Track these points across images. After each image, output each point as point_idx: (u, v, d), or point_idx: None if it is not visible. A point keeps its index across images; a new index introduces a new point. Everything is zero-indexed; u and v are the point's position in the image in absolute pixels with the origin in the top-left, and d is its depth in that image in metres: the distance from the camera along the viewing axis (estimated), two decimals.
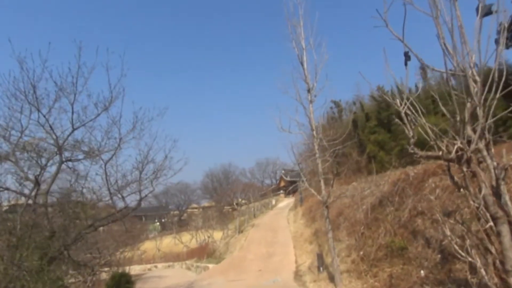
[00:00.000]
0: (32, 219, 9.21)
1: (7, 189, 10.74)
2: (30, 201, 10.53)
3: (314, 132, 13.40)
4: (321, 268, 14.55)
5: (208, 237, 40.68)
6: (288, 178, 74.79)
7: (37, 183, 10.09)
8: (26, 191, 10.77)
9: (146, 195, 13.50)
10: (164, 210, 76.25)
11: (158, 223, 71.86)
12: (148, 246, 43.96)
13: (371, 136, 26.73)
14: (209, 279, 20.16)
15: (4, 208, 11.22)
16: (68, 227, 10.32)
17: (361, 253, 12.30)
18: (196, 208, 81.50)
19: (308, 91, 13.76)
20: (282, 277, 17.36)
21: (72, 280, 15.20)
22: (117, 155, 12.32)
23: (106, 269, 22.51)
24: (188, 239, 45.94)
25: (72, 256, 11.97)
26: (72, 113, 11.23)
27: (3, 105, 10.60)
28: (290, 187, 71.85)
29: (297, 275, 17.28)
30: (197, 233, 45.11)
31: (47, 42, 24.19)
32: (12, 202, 10.77)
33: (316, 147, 13.27)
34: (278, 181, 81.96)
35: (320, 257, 14.84)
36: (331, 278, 13.13)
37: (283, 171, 78.69)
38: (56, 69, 10.97)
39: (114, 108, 12.10)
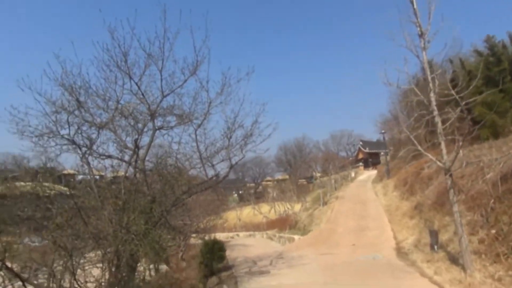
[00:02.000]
0: (134, 184, 9.13)
1: (110, 156, 10.98)
2: (131, 168, 10.64)
3: (430, 84, 11.25)
4: (435, 247, 12.70)
5: (288, 208, 40.42)
6: (367, 150, 71.08)
7: (136, 146, 10.07)
8: (126, 158, 10.91)
9: (236, 163, 12.95)
10: (241, 182, 78.51)
11: (236, 195, 74.38)
12: (229, 216, 45.44)
13: (478, 96, 23.04)
14: (297, 251, 19.54)
15: (108, 178, 11.58)
16: (166, 193, 10.13)
17: (493, 231, 10.23)
18: (270, 181, 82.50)
19: (420, 35, 11.53)
20: (383, 253, 15.87)
21: (169, 244, 15.71)
22: (206, 122, 11.90)
23: (195, 235, 23.45)
24: (267, 210, 46.40)
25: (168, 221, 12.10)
26: (161, 80, 11.06)
27: (100, 77, 10.75)
28: (369, 159, 68.28)
29: (401, 252, 15.63)
30: (275, 205, 45.23)
31: (133, 9, 24.92)
32: (115, 169, 10.95)
33: (434, 102, 11.15)
34: (355, 153, 78.52)
35: (434, 234, 12.97)
36: (453, 260, 11.28)
37: (361, 143, 74.96)
38: (144, 34, 10.74)
39: (201, 73, 11.48)
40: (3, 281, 7.86)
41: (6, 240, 8.24)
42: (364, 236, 19.72)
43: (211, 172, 12.17)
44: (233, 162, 12.42)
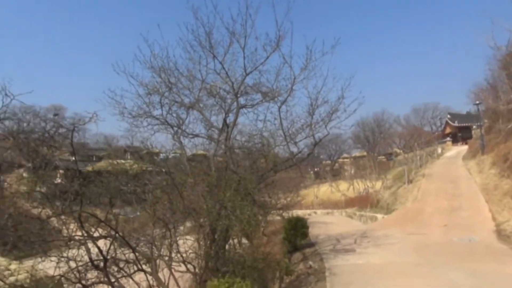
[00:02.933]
0: (224, 161, 9.35)
1: (197, 135, 11.43)
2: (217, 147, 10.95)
3: None
4: None
5: (368, 186, 38.81)
6: (455, 124, 64.31)
7: (225, 124, 10.27)
8: (214, 136, 11.25)
9: (320, 140, 12.55)
10: (317, 160, 77.45)
11: (311, 172, 73.86)
12: (306, 193, 45.31)
13: None
14: (382, 230, 18.62)
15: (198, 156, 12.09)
16: (254, 170, 10.21)
17: None
18: (347, 158, 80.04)
19: None
20: (480, 236, 14.32)
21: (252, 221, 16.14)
22: (290, 98, 11.63)
23: (274, 211, 23.83)
24: (345, 188, 45.20)
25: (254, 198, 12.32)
26: (244, 57, 11.05)
27: (185, 58, 11.10)
28: (458, 134, 61.79)
29: (502, 235, 13.95)
30: (354, 182, 43.75)
31: None
32: (204, 147, 11.38)
33: None
34: (442, 127, 71.62)
35: None
36: None
37: (448, 116, 67.97)
38: (227, 12, 10.78)
39: (284, 48, 11.16)
40: (115, 249, 8.75)
41: (115, 212, 9.14)
42: (457, 216, 17.97)
43: (294, 150, 12.04)
44: (317, 139, 12.08)
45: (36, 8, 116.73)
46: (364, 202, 32.01)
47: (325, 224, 26.50)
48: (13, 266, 9.91)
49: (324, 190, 49.82)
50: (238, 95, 11.19)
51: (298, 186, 33.36)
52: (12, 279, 8.57)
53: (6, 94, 4.96)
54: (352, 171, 55.33)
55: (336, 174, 66.76)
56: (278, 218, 22.85)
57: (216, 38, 10.79)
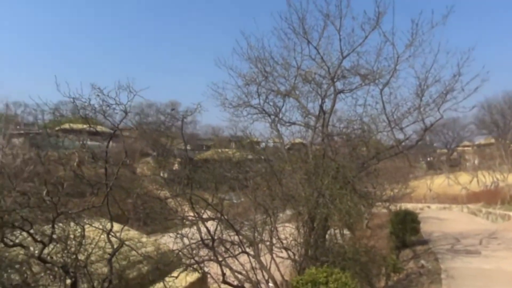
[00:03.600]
0: (322, 148, 9.16)
1: (294, 123, 11.44)
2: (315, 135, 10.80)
3: None
4: None
5: (498, 179, 33.40)
6: None
7: (321, 110, 10.04)
8: (311, 124, 11.12)
9: (432, 125, 11.21)
10: (429, 148, 69.81)
11: (423, 162, 67.05)
12: (417, 185, 41.41)
13: None
14: None
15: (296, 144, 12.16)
16: (353, 158, 9.75)
17: None
18: (468, 146, 70.11)
19: None
20: None
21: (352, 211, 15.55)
22: (393, 79, 10.66)
23: (379, 203, 22.47)
24: (467, 180, 39.76)
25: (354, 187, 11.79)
26: (340, 40, 10.57)
27: (280, 46, 11.20)
28: None
29: None
30: (478, 174, 38.12)
31: None
32: (302, 135, 11.37)
33: None
34: None
35: None
36: None
37: None
38: None
39: (385, 25, 10.24)
40: (221, 231, 9.48)
41: (220, 196, 9.89)
42: None
43: (400, 136, 11.06)
44: (427, 123, 10.83)
45: (158, 14, 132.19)
46: (493, 197, 27.67)
47: (441, 220, 23.85)
48: (144, 239, 11.44)
49: (440, 182, 44.62)
50: (335, 80, 10.78)
51: (406, 177, 30.68)
52: (142, 250, 9.92)
53: (130, 91, 5.79)
54: (476, 161, 48.34)
55: (454, 165, 59.20)
56: (384, 211, 21.52)
57: (309, 23, 10.63)
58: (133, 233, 10.36)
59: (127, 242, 7.45)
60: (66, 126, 50.14)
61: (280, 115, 11.29)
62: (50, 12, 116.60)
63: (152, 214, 11.13)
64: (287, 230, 9.79)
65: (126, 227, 8.58)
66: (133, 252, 8.84)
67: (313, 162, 8.67)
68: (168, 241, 10.77)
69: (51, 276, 6.56)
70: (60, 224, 5.73)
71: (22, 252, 6.31)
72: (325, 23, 10.48)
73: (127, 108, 6.06)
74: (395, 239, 14.12)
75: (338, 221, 8.69)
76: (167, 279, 8.47)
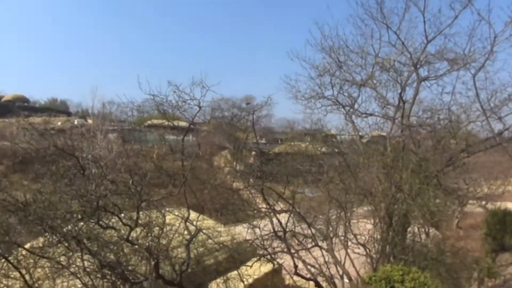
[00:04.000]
0: (401, 141, 8.51)
1: (372, 114, 10.82)
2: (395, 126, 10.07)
3: None
4: None
5: None
6: None
7: (401, 100, 9.32)
8: (390, 114, 10.41)
9: None
10: None
11: None
12: None
13: None
14: None
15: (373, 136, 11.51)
16: (439, 151, 8.86)
17: None
18: None
19: None
20: None
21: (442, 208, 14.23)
22: (488, 63, 9.39)
23: (473, 202, 20.13)
24: None
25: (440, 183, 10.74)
26: (424, 22, 9.71)
27: (356, 34, 10.66)
28: None
29: None
30: None
31: None
32: (379, 127, 10.72)
33: None
34: None
35: None
36: None
37: None
38: None
39: (479, 2, 9.05)
40: (294, 223, 9.46)
41: (292, 189, 9.85)
42: None
43: (498, 126, 9.72)
44: None
45: (231, 10, 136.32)
46: None
47: None
48: (219, 228, 11.96)
49: None
50: (418, 66, 9.89)
51: (506, 172, 26.83)
52: (218, 239, 10.38)
53: (203, 86, 6.11)
54: None
55: None
56: (480, 210, 19.29)
57: (389, 6, 9.95)
58: (209, 222, 10.89)
59: (204, 231, 7.90)
60: (153, 121, 54.92)
61: (356, 106, 10.79)
62: (129, 16, 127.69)
63: (227, 205, 11.59)
64: (363, 226, 9.35)
65: (203, 217, 9.08)
66: (210, 240, 9.31)
67: (392, 155, 8.10)
68: (242, 231, 11.12)
69: (139, 257, 7.28)
70: (145, 212, 6.29)
71: (115, 234, 7.10)
72: (406, 5, 9.74)
73: (201, 103, 6.38)
74: (491, 241, 12.61)
75: (420, 218, 8.01)
76: (242, 267, 8.77)
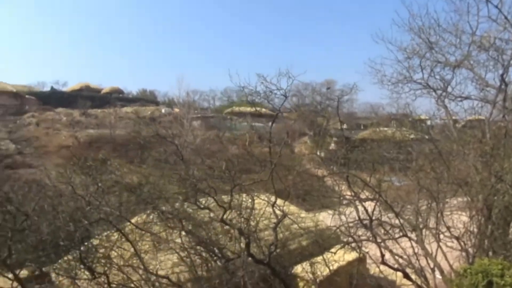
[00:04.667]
0: (504, 126, 7.68)
1: (467, 97, 9.90)
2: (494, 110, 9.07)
3: None
4: None
5: None
6: None
7: (503, 82, 8.35)
8: (489, 98, 9.40)
9: None
10: None
11: None
12: None
13: None
14: None
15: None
16: None
17: None
18: None
19: None
20: None
21: None
22: None
23: None
24: None
25: None
26: None
27: (449, 11, 9.72)
28: None
29: None
30: None
31: None
32: (476, 111, 9.77)
33: None
34: None
35: None
36: None
37: None
38: None
39: None
40: (380, 212, 9.26)
41: (378, 177, 9.60)
42: None
43: None
44: None
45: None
46: None
47: None
48: (303, 214, 12.25)
49: None
50: None
51: None
52: (302, 225, 10.68)
53: (289, 77, 6.37)
54: None
55: None
56: None
57: None
58: (293, 208, 11.24)
59: (289, 216, 8.27)
60: (234, 109, 57.25)
61: (449, 89, 9.94)
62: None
63: (310, 192, 11.81)
64: (457, 218, 8.74)
65: (287, 203, 9.44)
66: (294, 226, 9.66)
67: (492, 142, 7.37)
68: (325, 218, 11.21)
69: (227, 237, 7.99)
70: (236, 195, 6.89)
71: (207, 215, 7.89)
72: None
73: (287, 93, 6.64)
74: None
75: None
76: (326, 254, 8.94)
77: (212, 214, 7.65)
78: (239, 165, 6.57)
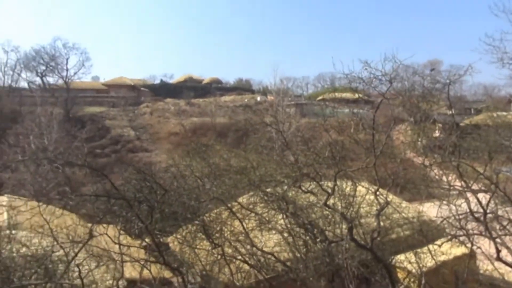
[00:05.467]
0: None
1: None
2: None
3: None
4: None
5: None
6: None
7: None
8: None
9: None
10: None
11: None
12: None
13: None
14: None
15: None
16: None
17: None
18: None
19: None
20: None
21: None
22: None
23: None
24: None
25: None
26: None
27: None
28: None
29: None
30: None
31: None
32: None
33: None
34: None
35: None
36: None
37: None
38: None
39: None
40: (496, 205, 8.43)
41: (493, 167, 8.70)
42: None
43: None
44: None
45: None
46: None
47: None
48: (403, 204, 11.74)
49: None
50: None
51: None
52: (403, 215, 10.31)
53: (395, 61, 6.24)
54: None
55: None
56: None
57: None
58: (394, 197, 10.90)
59: (392, 204, 8.11)
60: (328, 96, 56.18)
61: None
62: None
63: (412, 181, 11.22)
64: None
65: (387, 192, 9.21)
66: (395, 215, 9.41)
67: None
68: (428, 209, 10.57)
69: (327, 221, 8.20)
70: (339, 181, 7.07)
71: (307, 199, 8.23)
72: None
73: (392, 79, 6.50)
74: None
75: None
76: (430, 246, 8.53)
77: (312, 198, 7.98)
78: (342, 151, 6.72)
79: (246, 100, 59.10)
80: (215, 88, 68.34)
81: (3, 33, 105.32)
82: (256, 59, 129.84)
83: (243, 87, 74.27)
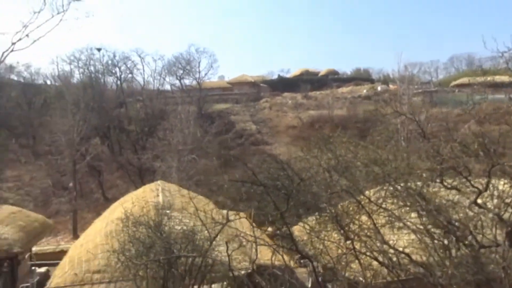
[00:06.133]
0: None
1: None
2: None
3: None
4: None
5: None
6: None
7: None
8: None
9: None
10: None
11: None
12: None
13: None
14: None
15: None
16: None
17: None
18: None
19: None
20: None
21: None
22: None
23: None
24: None
25: None
26: None
27: None
28: None
29: None
30: None
31: None
32: None
33: None
34: None
35: None
36: None
37: None
38: None
39: None
40: None
41: None
42: None
43: None
44: None
45: None
46: None
47: None
48: None
49: None
50: None
51: None
52: None
53: None
54: None
55: None
56: None
57: None
58: None
59: None
60: (461, 81, 48.79)
61: None
62: None
63: None
64: None
65: None
66: None
67: None
68: None
69: (472, 224, 7.08)
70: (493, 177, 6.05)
71: (447, 196, 7.26)
72: None
73: None
74: None
75: None
76: None
77: (453, 196, 7.04)
78: (498, 143, 5.71)
79: (365, 90, 56.07)
80: (331, 79, 66.75)
81: (151, 43, 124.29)
82: (375, 46, 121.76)
83: (361, 77, 70.64)
